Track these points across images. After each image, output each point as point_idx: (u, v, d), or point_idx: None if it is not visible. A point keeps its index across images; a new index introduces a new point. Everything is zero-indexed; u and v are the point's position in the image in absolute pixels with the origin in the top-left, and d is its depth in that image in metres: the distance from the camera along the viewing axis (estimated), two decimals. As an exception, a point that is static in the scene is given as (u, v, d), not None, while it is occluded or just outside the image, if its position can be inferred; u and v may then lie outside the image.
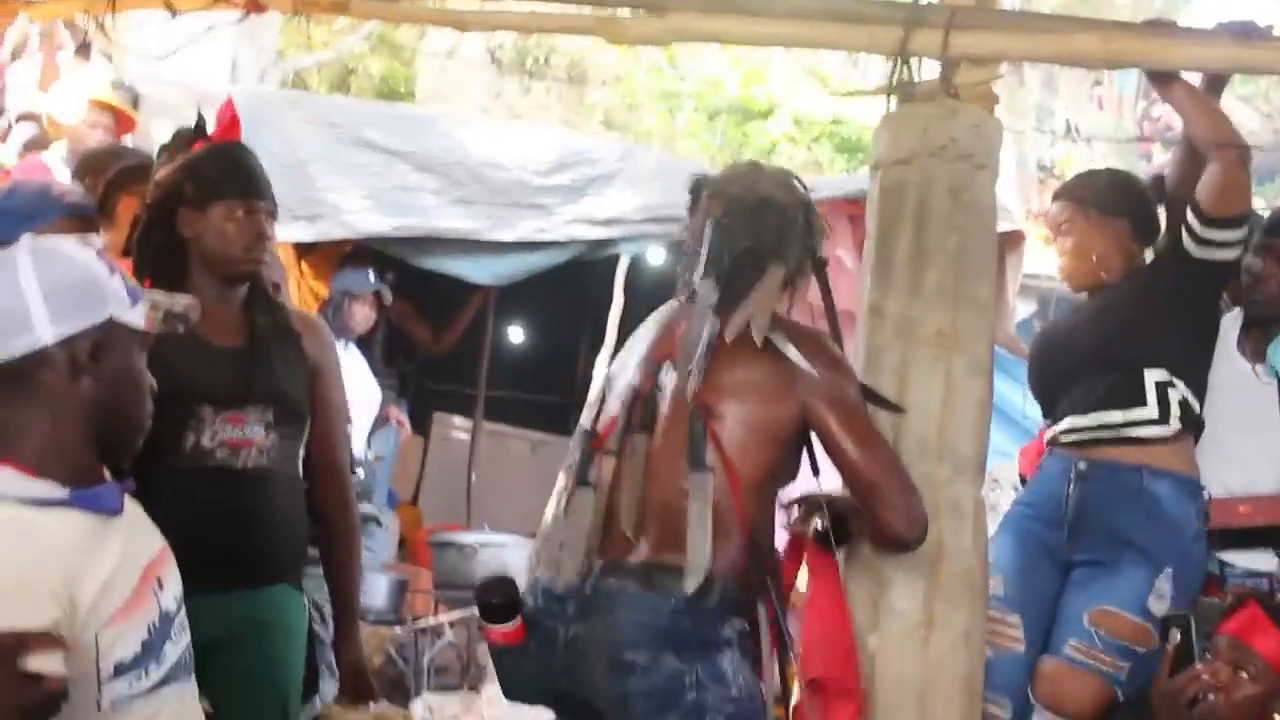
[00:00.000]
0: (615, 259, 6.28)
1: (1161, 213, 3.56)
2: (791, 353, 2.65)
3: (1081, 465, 3.34)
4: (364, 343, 6.08)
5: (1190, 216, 3.33)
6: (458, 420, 8.44)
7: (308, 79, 10.41)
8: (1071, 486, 3.34)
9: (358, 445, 5.41)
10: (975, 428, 2.89)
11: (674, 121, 11.25)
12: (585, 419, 2.83)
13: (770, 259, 2.77)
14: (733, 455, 2.63)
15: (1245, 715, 2.83)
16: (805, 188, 2.88)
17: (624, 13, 3.22)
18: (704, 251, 2.78)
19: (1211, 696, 2.85)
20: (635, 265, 6.36)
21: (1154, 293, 3.41)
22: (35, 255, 1.98)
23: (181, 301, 2.34)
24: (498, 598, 2.67)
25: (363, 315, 6.13)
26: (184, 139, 3.13)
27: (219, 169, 3.03)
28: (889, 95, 3.08)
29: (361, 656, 3.20)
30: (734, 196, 2.80)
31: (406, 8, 4.03)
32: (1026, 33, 3.18)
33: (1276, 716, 2.82)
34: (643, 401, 2.74)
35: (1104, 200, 3.53)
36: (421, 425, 8.30)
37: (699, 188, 2.88)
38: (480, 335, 7.99)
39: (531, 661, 2.68)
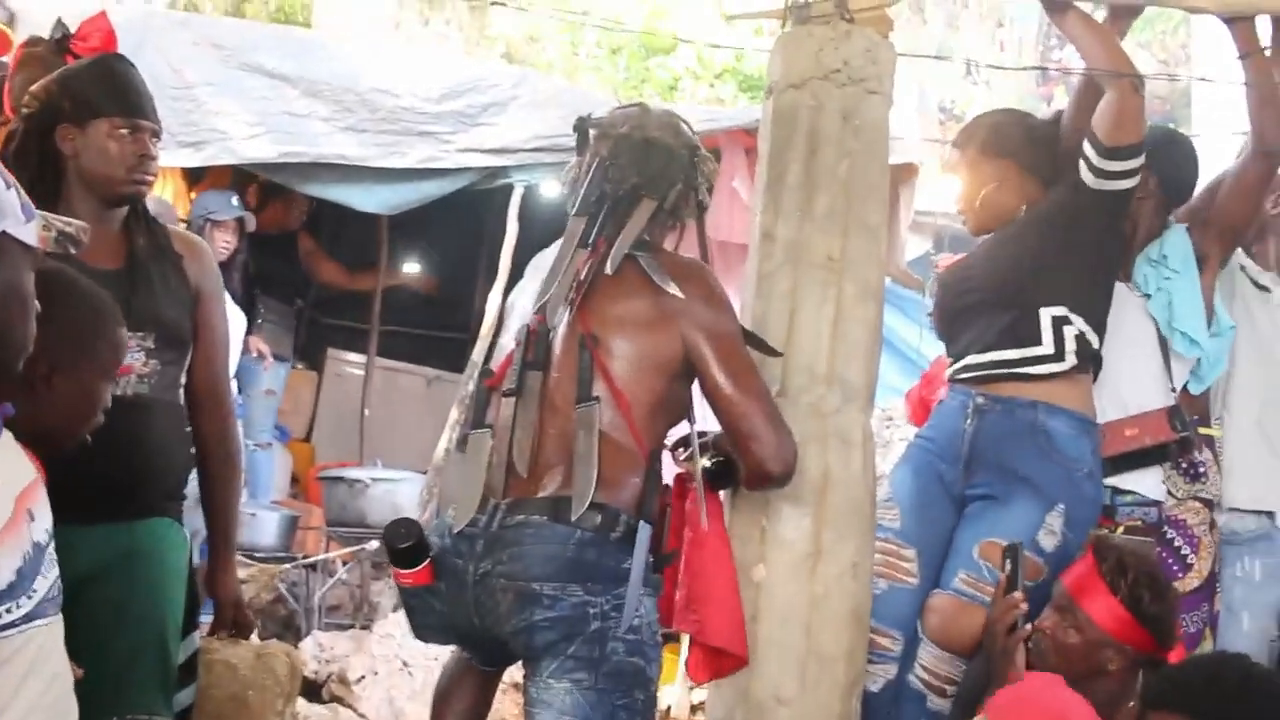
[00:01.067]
0: (510, 190, 6.19)
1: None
2: (671, 286, 2.66)
3: (979, 400, 3.34)
4: (223, 270, 5.89)
5: (1088, 148, 3.33)
6: (351, 356, 8.33)
7: (200, 4, 10.15)
8: (969, 421, 3.34)
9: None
10: (865, 354, 2.86)
11: (576, 56, 11.15)
12: (478, 352, 2.79)
13: (645, 195, 2.78)
14: (621, 385, 2.63)
15: (1072, 659, 2.90)
16: (692, 131, 2.90)
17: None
18: (581, 190, 2.80)
19: (1029, 625, 2.92)
20: (530, 196, 6.29)
21: (1051, 227, 3.40)
22: None
23: (74, 223, 2.25)
24: (405, 541, 2.65)
25: (223, 241, 5.93)
26: (43, 50, 2.98)
27: (101, 84, 2.90)
28: (784, 19, 3.04)
29: (238, 589, 3.13)
30: (621, 136, 2.82)
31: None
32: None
33: (1110, 667, 2.88)
34: (535, 339, 2.71)
35: (986, 142, 3.52)
36: (315, 361, 8.19)
37: (585, 127, 2.88)
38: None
39: (441, 600, 2.66)
